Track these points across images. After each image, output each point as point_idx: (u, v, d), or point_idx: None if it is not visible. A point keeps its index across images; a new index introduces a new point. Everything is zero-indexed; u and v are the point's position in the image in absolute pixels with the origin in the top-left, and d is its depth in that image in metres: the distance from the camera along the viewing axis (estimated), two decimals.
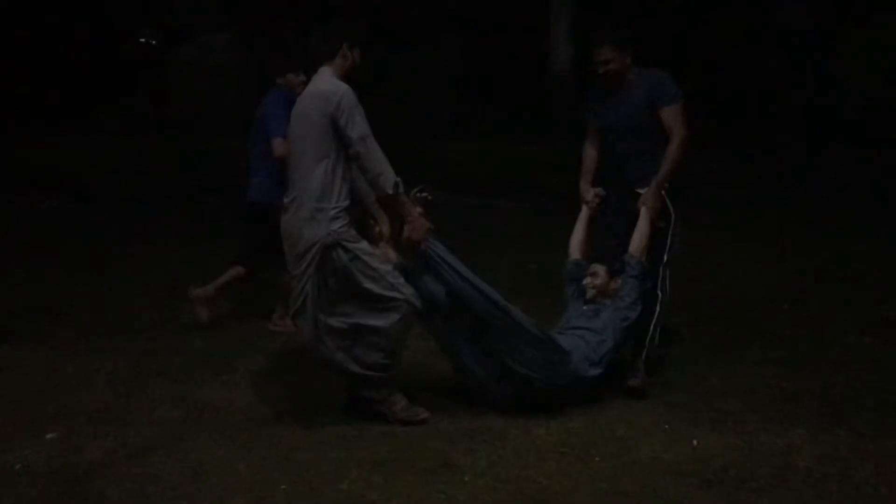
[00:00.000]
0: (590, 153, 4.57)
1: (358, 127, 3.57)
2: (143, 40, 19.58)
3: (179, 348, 4.90)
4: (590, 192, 4.52)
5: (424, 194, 3.86)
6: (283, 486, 3.30)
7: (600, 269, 4.29)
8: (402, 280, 3.74)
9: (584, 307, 4.25)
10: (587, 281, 4.29)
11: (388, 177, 3.61)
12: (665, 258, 4.31)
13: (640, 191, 4.30)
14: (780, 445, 3.61)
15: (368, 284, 3.66)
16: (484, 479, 3.36)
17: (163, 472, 3.41)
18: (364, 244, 3.73)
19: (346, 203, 3.66)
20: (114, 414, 3.98)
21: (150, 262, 7.00)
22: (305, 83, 4.15)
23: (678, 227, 4.33)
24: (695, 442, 3.65)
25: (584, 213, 4.54)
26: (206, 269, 6.62)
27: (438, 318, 3.90)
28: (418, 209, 3.77)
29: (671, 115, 4.23)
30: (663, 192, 4.28)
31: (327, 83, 3.65)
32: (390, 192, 3.62)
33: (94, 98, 16.37)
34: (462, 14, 15.98)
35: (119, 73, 17.41)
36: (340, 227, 3.62)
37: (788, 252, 7.15)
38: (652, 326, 4.27)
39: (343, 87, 3.60)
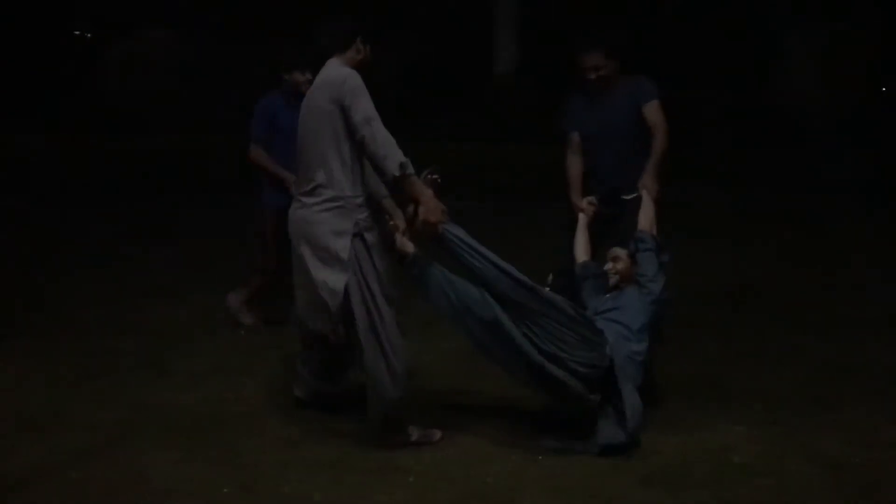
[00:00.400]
0: (574, 164, 4.57)
1: (362, 109, 3.45)
2: (77, 33, 19.10)
3: (121, 350, 4.81)
4: (583, 202, 4.49)
5: (435, 176, 3.67)
6: (225, 490, 3.26)
7: (621, 252, 4.05)
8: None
9: (607, 295, 4.03)
10: (609, 266, 4.04)
11: (395, 158, 3.42)
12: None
13: (626, 198, 4.34)
14: (718, 442, 3.69)
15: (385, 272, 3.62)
16: (428, 480, 3.37)
17: (102, 477, 3.34)
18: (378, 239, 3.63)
19: (367, 193, 3.59)
20: (52, 418, 3.88)
21: (89, 262, 6.86)
22: (311, 82, 4.09)
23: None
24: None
25: (582, 220, 4.45)
26: (147, 268, 6.56)
27: (468, 316, 3.57)
28: (430, 190, 3.58)
29: (652, 110, 4.33)
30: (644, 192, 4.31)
31: (335, 70, 3.59)
32: (396, 173, 3.42)
33: (21, 93, 15.87)
34: (406, 14, 15.96)
35: (49, 67, 16.89)
36: (366, 217, 3.57)
37: (727, 250, 7.32)
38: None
39: (348, 71, 3.54)
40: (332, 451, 3.59)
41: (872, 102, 12.44)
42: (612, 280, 4.04)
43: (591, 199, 4.51)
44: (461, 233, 3.61)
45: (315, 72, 3.79)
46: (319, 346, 3.83)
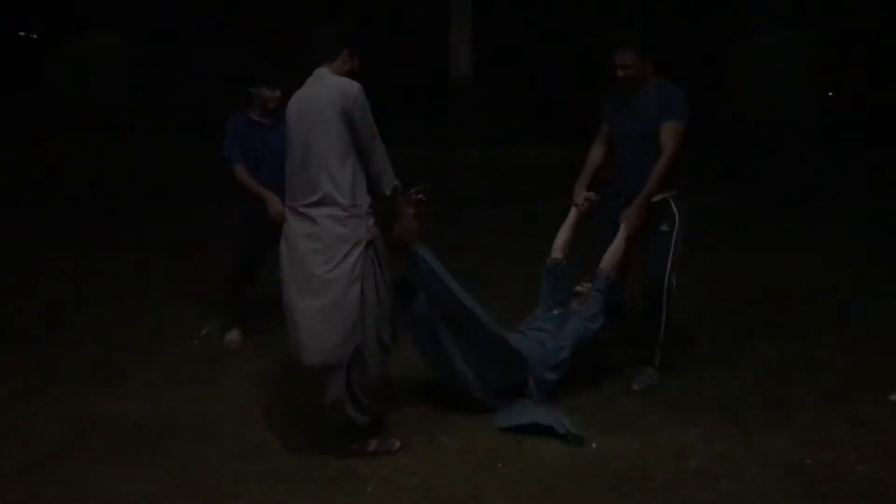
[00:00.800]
0: (594, 155, 4.52)
1: (370, 124, 3.53)
2: (22, 34, 18.61)
3: (68, 360, 4.67)
4: (581, 195, 4.46)
5: (420, 195, 3.83)
6: None
7: (585, 288, 4.33)
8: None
9: (554, 311, 4.27)
10: (573, 304, 4.30)
11: (389, 178, 3.58)
12: (669, 263, 4.30)
13: (655, 197, 4.28)
14: (676, 446, 3.71)
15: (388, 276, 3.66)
16: (387, 489, 3.33)
17: (46, 493, 3.24)
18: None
19: (370, 199, 3.59)
20: None
21: (30, 270, 6.65)
22: (280, 99, 3.94)
23: (683, 229, 4.33)
24: (594, 444, 3.71)
25: (573, 215, 4.49)
26: (99, 277, 6.37)
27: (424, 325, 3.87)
28: (411, 210, 3.75)
29: (668, 133, 4.19)
30: (670, 197, 4.29)
31: (338, 80, 3.58)
32: (388, 193, 3.58)
33: None
34: (360, 17, 15.89)
35: None
36: (374, 224, 3.57)
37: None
38: (659, 340, 4.35)
39: (357, 84, 3.54)
40: (289, 462, 3.53)
41: (821, 106, 12.71)
42: (582, 287, 4.34)
43: (591, 194, 4.47)
44: (429, 255, 3.83)
45: (286, 87, 3.75)
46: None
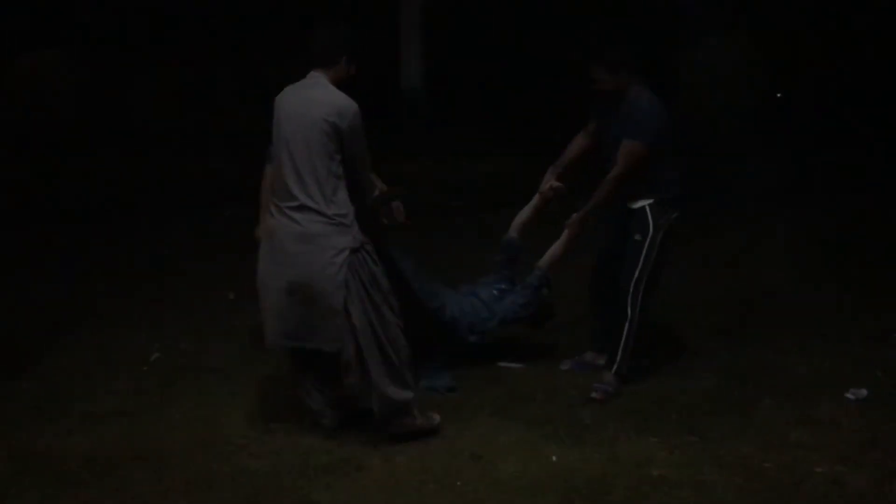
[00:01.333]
0: (575, 144, 4.55)
1: (361, 146, 3.67)
2: None
3: (9, 393, 4.46)
4: (548, 183, 4.53)
5: (397, 202, 4.08)
6: None
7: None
8: None
9: (502, 286, 4.66)
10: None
11: (371, 188, 3.83)
12: (637, 274, 4.28)
13: (632, 206, 4.30)
14: (636, 455, 3.67)
15: (386, 286, 3.74)
16: None
17: None
18: None
19: (354, 208, 3.68)
20: None
21: None
22: None
23: (657, 241, 4.29)
24: (554, 458, 3.66)
25: (536, 200, 4.63)
26: (26, 305, 6.10)
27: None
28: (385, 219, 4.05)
29: (622, 150, 4.21)
30: (646, 206, 4.28)
31: (334, 94, 3.65)
32: (369, 203, 3.81)
33: None
34: (307, 28, 15.82)
35: None
36: (360, 232, 3.66)
37: None
38: (620, 347, 4.32)
39: (354, 106, 3.63)
40: (240, 493, 3.42)
41: (770, 107, 12.86)
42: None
43: (559, 186, 4.53)
44: (397, 252, 4.22)
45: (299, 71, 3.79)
46: (317, 364, 3.81)
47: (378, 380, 3.69)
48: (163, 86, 14.20)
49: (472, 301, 4.59)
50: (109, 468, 3.62)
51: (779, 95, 12.77)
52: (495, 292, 4.63)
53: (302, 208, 3.58)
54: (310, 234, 3.58)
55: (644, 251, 4.29)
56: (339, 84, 3.71)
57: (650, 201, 4.30)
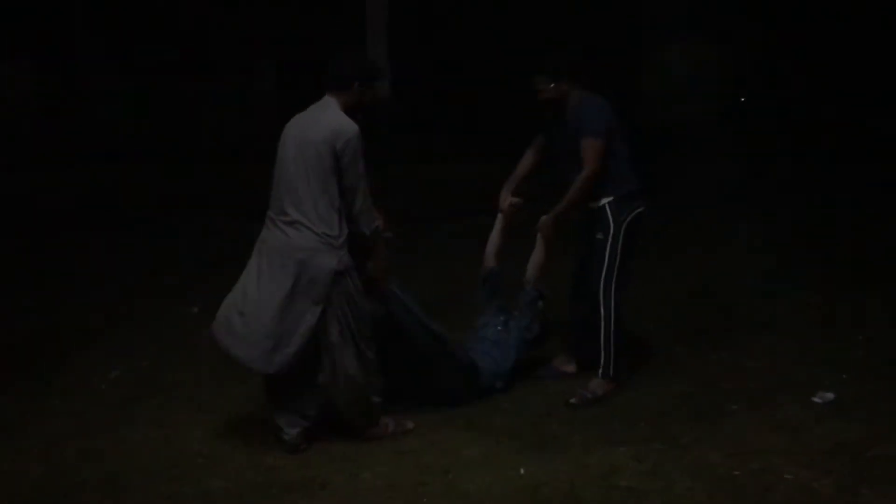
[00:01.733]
0: (524, 162, 4.55)
1: (357, 168, 3.68)
2: None
3: None
4: (507, 201, 4.50)
5: (389, 234, 4.02)
6: None
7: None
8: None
9: (501, 318, 4.53)
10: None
11: (370, 218, 3.75)
12: (604, 273, 4.29)
13: (593, 206, 4.32)
14: (604, 465, 3.63)
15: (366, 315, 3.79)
16: None
17: None
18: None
19: (347, 232, 3.71)
20: None
21: None
22: None
23: (620, 238, 4.30)
24: (522, 470, 3.61)
25: (500, 221, 4.58)
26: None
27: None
28: (385, 251, 3.93)
29: (584, 150, 4.22)
30: (605, 204, 4.29)
31: (338, 117, 3.73)
32: (367, 233, 3.75)
33: None
34: (277, 38, 15.68)
35: None
36: (347, 255, 3.70)
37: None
38: (602, 347, 4.31)
39: (355, 128, 3.69)
40: None
41: (733, 113, 12.98)
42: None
43: (517, 200, 4.50)
44: (403, 291, 4.11)
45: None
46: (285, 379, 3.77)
47: (347, 363, 3.74)
48: (128, 95, 14.05)
49: (482, 348, 4.43)
50: (66, 492, 3.52)
51: (742, 100, 12.88)
52: (499, 328, 4.52)
53: (294, 223, 3.66)
54: (296, 247, 3.63)
55: (608, 249, 4.30)
56: (355, 109, 3.80)
57: (609, 199, 4.32)
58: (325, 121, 3.71)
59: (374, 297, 3.91)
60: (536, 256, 4.50)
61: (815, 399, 4.24)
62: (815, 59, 12.25)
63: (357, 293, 3.75)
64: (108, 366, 4.92)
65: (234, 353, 3.72)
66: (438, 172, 11.52)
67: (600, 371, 4.33)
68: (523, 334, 4.50)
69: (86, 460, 3.81)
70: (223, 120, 15.26)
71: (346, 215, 3.70)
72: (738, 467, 3.59)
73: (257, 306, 3.67)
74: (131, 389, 4.64)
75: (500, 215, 4.57)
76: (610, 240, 4.30)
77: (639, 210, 4.36)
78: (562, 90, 4.29)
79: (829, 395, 4.25)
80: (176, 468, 3.70)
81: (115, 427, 4.15)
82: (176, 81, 14.28)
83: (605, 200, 4.32)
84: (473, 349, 4.39)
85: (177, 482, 3.58)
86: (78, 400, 4.50)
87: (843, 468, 3.56)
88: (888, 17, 11.54)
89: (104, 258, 7.40)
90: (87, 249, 7.71)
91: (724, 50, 13.01)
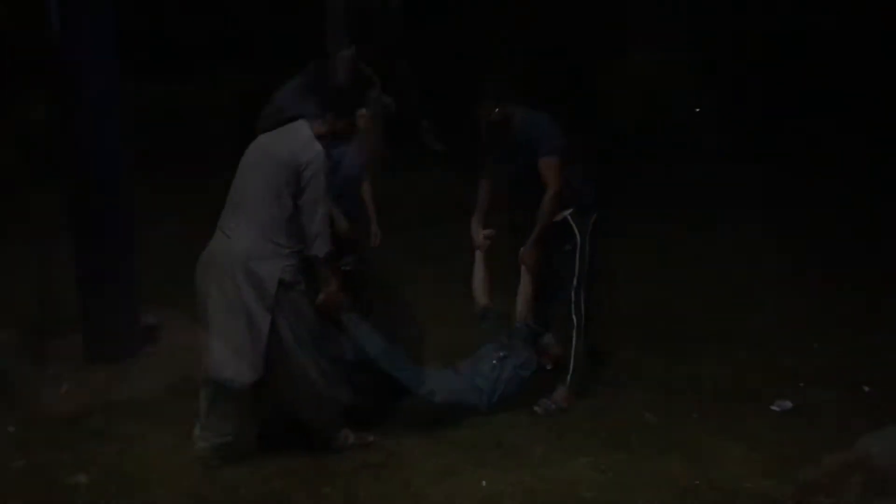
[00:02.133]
0: (483, 192, 4.52)
1: (317, 190, 3.66)
2: None
3: None
4: (480, 234, 4.46)
5: (347, 268, 4.04)
6: None
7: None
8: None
9: (501, 354, 4.40)
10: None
11: (324, 242, 3.70)
12: (575, 283, 4.31)
13: (554, 220, 4.30)
14: (566, 477, 3.63)
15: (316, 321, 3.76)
16: None
17: None
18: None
19: (300, 247, 3.67)
20: None
21: None
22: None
23: (587, 246, 4.33)
24: (484, 483, 3.59)
25: (479, 256, 4.49)
26: None
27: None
28: (336, 282, 3.83)
29: (545, 167, 4.22)
30: (567, 216, 4.31)
31: (307, 137, 3.72)
32: (321, 256, 3.70)
33: None
34: (241, 44, 15.56)
35: None
36: (292, 265, 3.66)
37: None
38: (572, 356, 4.31)
39: (319, 150, 3.69)
40: None
41: (690, 122, 13.11)
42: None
43: (489, 232, 4.48)
44: (361, 325, 4.03)
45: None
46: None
47: (307, 372, 3.72)
48: None
49: (470, 380, 4.34)
50: None
51: (697, 110, 13.01)
52: (494, 362, 4.42)
53: (240, 229, 3.67)
54: (241, 251, 3.62)
55: (577, 258, 4.34)
56: (323, 138, 3.78)
57: (569, 211, 4.35)
58: (291, 139, 3.74)
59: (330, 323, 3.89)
60: (524, 290, 4.42)
61: (774, 407, 4.28)
62: (785, 72, 12.44)
63: (308, 307, 3.72)
64: (59, 380, 4.74)
65: (227, 375, 3.65)
66: (403, 184, 11.48)
67: (568, 380, 4.33)
68: (518, 371, 4.40)
69: (27, 481, 3.66)
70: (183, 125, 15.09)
71: (301, 236, 3.67)
72: (698, 477, 3.61)
73: (225, 325, 3.64)
74: (81, 406, 4.45)
75: (477, 252, 4.51)
76: (578, 250, 4.34)
77: (596, 215, 4.42)
78: (506, 113, 4.32)
79: (787, 404, 4.30)
80: (126, 489, 3.58)
81: (65, 444, 4.00)
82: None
83: (565, 213, 4.34)
84: (462, 378, 4.35)
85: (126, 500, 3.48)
86: (22, 420, 4.24)
87: (802, 476, 3.58)
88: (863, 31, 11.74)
89: (58, 260, 7.19)
90: (35, 252, 7.46)
91: (693, 58, 13.15)
